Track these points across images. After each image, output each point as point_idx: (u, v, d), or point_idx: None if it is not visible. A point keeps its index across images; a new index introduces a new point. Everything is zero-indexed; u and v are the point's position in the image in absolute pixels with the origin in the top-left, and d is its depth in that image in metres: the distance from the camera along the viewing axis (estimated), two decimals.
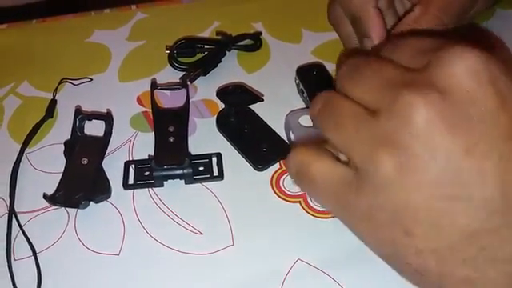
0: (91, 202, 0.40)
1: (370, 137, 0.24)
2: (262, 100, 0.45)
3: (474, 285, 0.23)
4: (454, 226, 0.23)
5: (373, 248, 0.27)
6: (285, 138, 0.45)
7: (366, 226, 0.26)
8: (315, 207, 0.40)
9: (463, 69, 0.23)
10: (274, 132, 0.45)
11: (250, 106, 0.46)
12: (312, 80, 0.48)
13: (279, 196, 0.41)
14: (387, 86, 0.25)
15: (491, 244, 0.22)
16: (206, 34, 0.56)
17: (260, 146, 0.44)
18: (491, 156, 0.22)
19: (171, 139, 0.42)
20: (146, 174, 0.41)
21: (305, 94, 0.47)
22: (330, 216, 0.39)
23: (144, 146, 0.44)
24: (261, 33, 0.56)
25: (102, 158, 0.43)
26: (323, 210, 0.40)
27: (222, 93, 0.45)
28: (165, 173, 0.41)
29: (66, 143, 0.44)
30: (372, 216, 0.25)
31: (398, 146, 0.23)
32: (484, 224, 0.22)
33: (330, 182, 0.27)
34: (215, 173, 0.42)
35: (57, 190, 0.40)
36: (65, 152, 0.43)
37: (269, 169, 0.43)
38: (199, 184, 0.42)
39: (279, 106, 0.47)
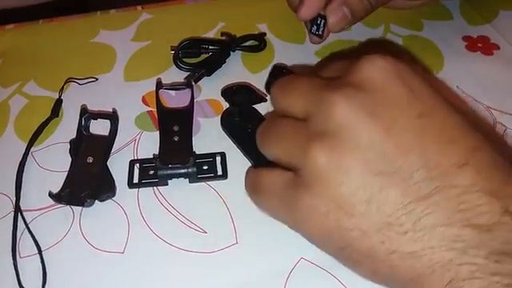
0: (96, 201, 0.40)
1: (304, 139, 0.27)
2: (266, 100, 0.45)
3: (420, 258, 0.24)
4: (389, 200, 0.25)
5: (322, 245, 0.29)
6: None
7: (311, 221, 0.27)
8: None
9: (373, 67, 0.27)
10: None
11: (255, 106, 0.46)
12: None
13: None
14: (312, 93, 0.29)
15: (426, 212, 0.24)
16: (211, 34, 0.56)
17: None
18: (408, 131, 0.25)
19: (176, 138, 0.43)
20: (151, 172, 0.42)
21: None
22: None
23: (149, 145, 0.44)
24: (265, 34, 0.56)
25: (107, 157, 0.43)
26: None
27: (227, 92, 0.45)
28: (169, 172, 0.41)
29: (71, 142, 0.44)
30: (314, 209, 0.27)
31: (326, 139, 0.26)
32: (414, 193, 0.24)
33: (276, 186, 0.30)
34: (219, 172, 0.42)
35: (62, 188, 0.40)
36: (70, 151, 0.43)
37: None
38: (203, 183, 0.42)
39: None
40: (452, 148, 0.25)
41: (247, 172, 0.34)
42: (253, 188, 0.34)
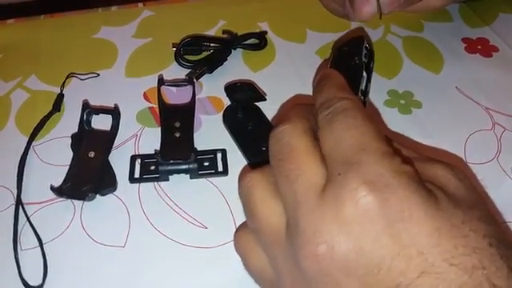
0: (97, 195, 0.40)
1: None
2: (265, 99, 0.45)
3: None
4: None
5: None
6: None
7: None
8: None
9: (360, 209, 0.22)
10: None
11: (258, 104, 0.46)
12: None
13: None
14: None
15: None
16: (212, 32, 0.57)
17: (260, 144, 0.44)
18: None
19: (177, 134, 0.43)
20: (152, 168, 0.42)
21: None
22: None
23: (150, 140, 0.44)
24: (266, 32, 0.56)
25: (109, 152, 0.43)
26: None
27: (229, 88, 0.45)
28: (170, 167, 0.41)
29: (73, 136, 0.44)
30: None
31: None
32: None
33: (269, 228, 0.26)
34: (220, 168, 0.42)
35: (64, 182, 0.40)
36: (72, 145, 0.43)
37: None
38: (204, 179, 0.42)
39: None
40: None
41: (246, 179, 0.28)
42: (245, 204, 0.29)
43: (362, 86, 0.31)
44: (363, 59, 0.32)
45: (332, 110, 0.25)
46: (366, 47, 0.33)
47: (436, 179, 0.24)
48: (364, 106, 0.30)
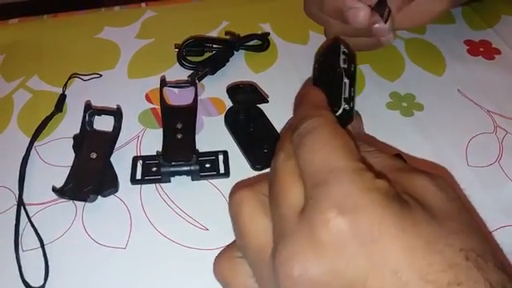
0: (99, 196, 0.40)
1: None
2: (267, 101, 0.45)
3: None
4: None
5: None
6: None
7: None
8: None
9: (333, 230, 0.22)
10: (278, 133, 0.45)
11: (260, 106, 0.46)
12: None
13: None
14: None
15: None
16: (215, 33, 0.57)
17: (262, 146, 0.44)
18: None
19: (179, 136, 0.43)
20: (154, 169, 0.42)
21: None
22: None
23: (152, 142, 0.45)
24: (268, 33, 0.56)
25: (111, 153, 0.43)
26: None
27: (231, 90, 0.45)
28: (172, 169, 0.41)
29: (75, 137, 0.44)
30: None
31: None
32: None
33: (256, 246, 0.26)
34: (221, 170, 0.42)
35: (65, 183, 0.40)
36: (74, 146, 0.43)
37: None
38: (205, 181, 0.42)
39: (285, 106, 0.47)
40: None
41: (234, 197, 0.27)
42: (235, 225, 0.28)
43: (345, 94, 0.30)
44: (342, 65, 0.32)
45: (300, 132, 0.25)
46: (343, 52, 0.32)
47: (414, 190, 0.24)
48: (351, 112, 0.30)
